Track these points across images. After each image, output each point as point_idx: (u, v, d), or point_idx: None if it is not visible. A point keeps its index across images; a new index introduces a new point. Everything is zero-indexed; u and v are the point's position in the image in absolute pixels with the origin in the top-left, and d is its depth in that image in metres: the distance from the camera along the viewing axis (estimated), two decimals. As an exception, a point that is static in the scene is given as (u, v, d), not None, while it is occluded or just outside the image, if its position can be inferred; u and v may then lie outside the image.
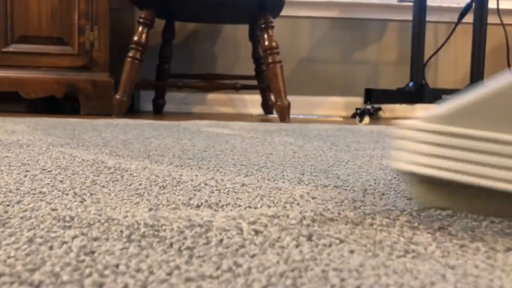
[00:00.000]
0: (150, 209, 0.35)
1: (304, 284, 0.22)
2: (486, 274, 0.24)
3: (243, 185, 0.45)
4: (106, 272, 0.22)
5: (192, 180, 0.47)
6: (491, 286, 0.22)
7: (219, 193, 0.41)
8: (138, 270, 0.23)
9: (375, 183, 0.48)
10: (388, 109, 2.31)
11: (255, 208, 0.36)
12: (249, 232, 0.29)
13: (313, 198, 0.40)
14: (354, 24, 2.33)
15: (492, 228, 0.32)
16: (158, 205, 0.36)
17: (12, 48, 1.68)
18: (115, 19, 1.80)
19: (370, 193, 0.43)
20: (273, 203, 0.38)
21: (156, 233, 0.29)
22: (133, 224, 0.30)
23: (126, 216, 0.32)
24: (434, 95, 1.80)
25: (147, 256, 0.25)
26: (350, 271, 0.23)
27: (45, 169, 0.50)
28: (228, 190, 0.42)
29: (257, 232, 0.29)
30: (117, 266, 0.23)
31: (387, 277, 0.23)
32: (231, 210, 0.35)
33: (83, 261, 0.24)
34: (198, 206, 0.36)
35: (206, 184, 0.45)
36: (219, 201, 0.38)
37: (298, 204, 0.37)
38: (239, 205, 0.37)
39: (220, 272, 0.23)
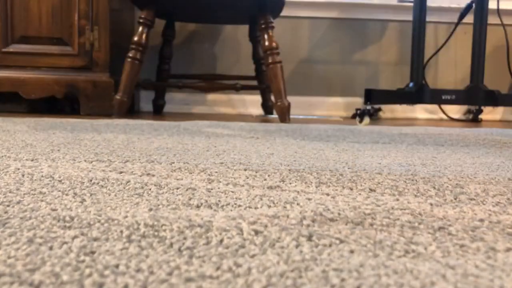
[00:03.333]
0: (150, 209, 0.35)
1: (304, 284, 0.22)
2: (486, 274, 0.24)
3: (243, 185, 0.45)
4: (106, 272, 0.22)
5: (192, 180, 0.47)
6: (491, 286, 0.22)
7: (219, 193, 0.41)
8: (138, 270, 0.23)
9: (377, 183, 0.48)
10: (388, 110, 2.31)
11: (255, 208, 0.36)
12: (249, 232, 0.29)
13: (313, 198, 0.40)
14: (354, 24, 2.33)
15: (492, 228, 0.32)
16: (158, 205, 0.36)
17: (12, 48, 1.68)
18: (116, 20, 1.80)
19: (370, 193, 0.43)
20: (273, 203, 0.38)
21: (156, 233, 0.29)
22: (133, 224, 0.30)
23: (126, 216, 0.32)
24: (434, 96, 1.80)
25: (147, 256, 0.25)
26: (350, 271, 0.23)
27: (44, 169, 0.50)
28: (228, 190, 0.42)
29: (257, 232, 0.29)
30: (117, 266, 0.23)
31: (387, 277, 0.23)
32: (231, 210, 0.35)
33: (83, 261, 0.24)
34: (198, 206, 0.36)
35: (206, 184, 0.45)
36: (219, 201, 0.38)
37: (298, 204, 0.37)
38: (239, 205, 0.37)
39: (220, 272, 0.23)
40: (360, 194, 0.42)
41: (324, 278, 0.22)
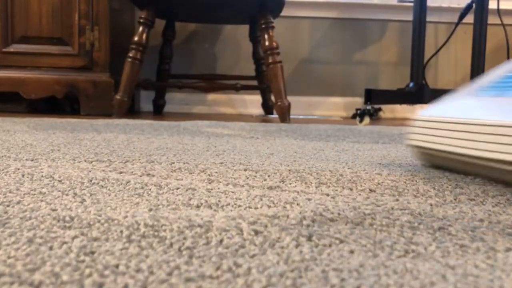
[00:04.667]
0: (150, 210, 0.35)
1: (304, 284, 0.22)
2: (486, 274, 0.24)
3: (243, 185, 0.45)
4: (106, 272, 0.22)
5: (192, 180, 0.47)
6: (491, 286, 0.22)
7: (219, 193, 0.41)
8: (138, 270, 0.23)
9: (377, 183, 0.48)
10: (388, 110, 2.31)
11: (255, 208, 0.36)
12: (249, 232, 0.29)
13: (313, 198, 0.40)
14: (354, 24, 2.33)
15: (492, 228, 0.32)
16: (158, 205, 0.36)
17: (13, 48, 1.68)
18: (116, 20, 1.80)
19: (370, 193, 0.43)
20: (273, 203, 0.38)
21: (156, 233, 0.29)
22: (133, 224, 0.30)
23: (126, 217, 0.32)
24: (434, 96, 1.80)
25: (147, 256, 0.25)
26: (350, 271, 0.23)
27: (44, 169, 0.50)
28: (228, 191, 0.42)
29: (257, 232, 0.29)
30: (117, 266, 0.23)
31: (387, 277, 0.23)
32: (231, 210, 0.35)
33: (83, 261, 0.24)
34: (198, 206, 0.36)
35: (206, 184, 0.45)
36: (219, 201, 0.38)
37: (298, 204, 0.37)
38: (239, 205, 0.37)
39: (220, 272, 0.23)
40: (360, 194, 0.42)
41: (324, 278, 0.22)
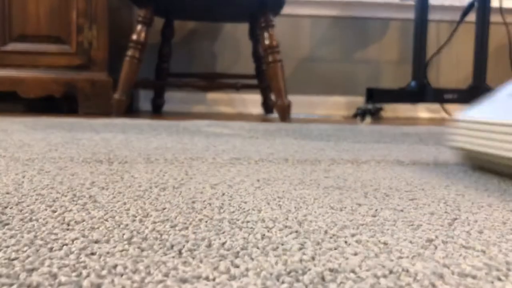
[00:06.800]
0: (157, 211, 0.34)
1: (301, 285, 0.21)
2: (484, 275, 0.23)
3: (246, 188, 0.45)
4: (104, 272, 0.22)
5: (194, 181, 0.47)
6: (492, 287, 0.22)
7: (223, 195, 0.41)
8: (135, 271, 0.23)
9: (377, 184, 0.48)
10: (390, 109, 2.31)
11: (259, 211, 0.36)
12: (254, 235, 0.29)
13: (316, 199, 0.40)
14: (356, 22, 2.33)
15: (494, 232, 0.32)
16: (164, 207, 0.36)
17: (10, 47, 1.68)
18: (114, 18, 1.79)
19: (371, 194, 0.42)
20: (277, 204, 0.37)
21: (158, 236, 0.29)
22: (136, 227, 0.30)
23: (128, 218, 0.32)
24: (436, 95, 1.80)
25: (146, 257, 0.25)
26: (346, 272, 0.23)
27: (43, 170, 0.50)
28: (232, 193, 0.42)
29: (262, 235, 0.29)
30: (115, 267, 0.23)
31: (385, 279, 0.22)
32: (234, 212, 0.35)
33: (83, 262, 0.24)
34: (201, 209, 0.36)
35: (209, 186, 0.44)
36: (222, 204, 0.38)
37: (302, 206, 0.37)
38: (243, 208, 0.36)
39: (217, 274, 0.23)
40: (361, 194, 0.42)
41: (321, 279, 0.22)
